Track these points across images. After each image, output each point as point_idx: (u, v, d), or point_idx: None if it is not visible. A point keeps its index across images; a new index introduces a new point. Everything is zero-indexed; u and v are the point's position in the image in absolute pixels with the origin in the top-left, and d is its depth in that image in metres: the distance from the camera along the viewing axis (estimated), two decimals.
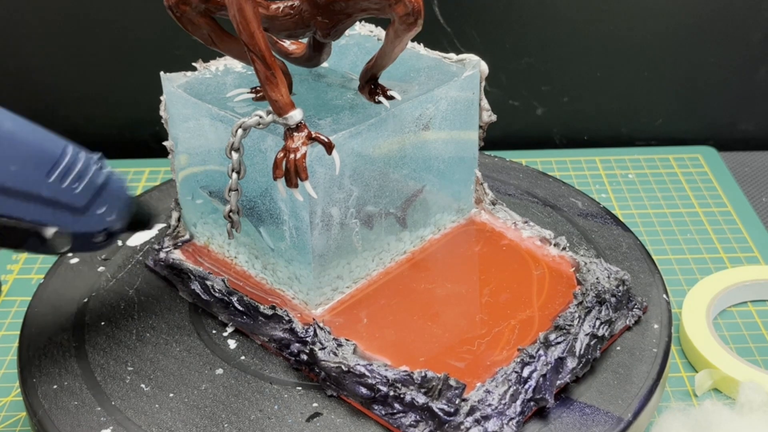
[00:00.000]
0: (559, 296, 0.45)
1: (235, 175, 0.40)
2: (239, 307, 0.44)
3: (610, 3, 0.67)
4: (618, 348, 0.43)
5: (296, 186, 0.39)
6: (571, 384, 0.41)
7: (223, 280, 0.45)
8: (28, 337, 0.44)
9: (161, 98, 0.46)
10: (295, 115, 0.38)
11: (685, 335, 0.48)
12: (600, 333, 0.42)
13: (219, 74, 0.46)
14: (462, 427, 0.37)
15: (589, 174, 0.66)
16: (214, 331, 0.45)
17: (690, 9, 0.67)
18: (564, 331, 0.41)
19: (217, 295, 0.45)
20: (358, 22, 0.51)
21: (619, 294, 0.44)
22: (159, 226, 0.52)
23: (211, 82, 0.45)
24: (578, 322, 0.42)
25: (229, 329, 0.45)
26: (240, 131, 0.39)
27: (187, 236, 0.49)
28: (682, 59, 0.69)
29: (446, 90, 0.46)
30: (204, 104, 0.44)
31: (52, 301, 0.47)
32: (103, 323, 0.45)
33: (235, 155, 0.40)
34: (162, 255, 0.48)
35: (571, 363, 0.40)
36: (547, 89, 0.70)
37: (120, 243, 0.51)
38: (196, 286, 0.45)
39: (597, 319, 0.42)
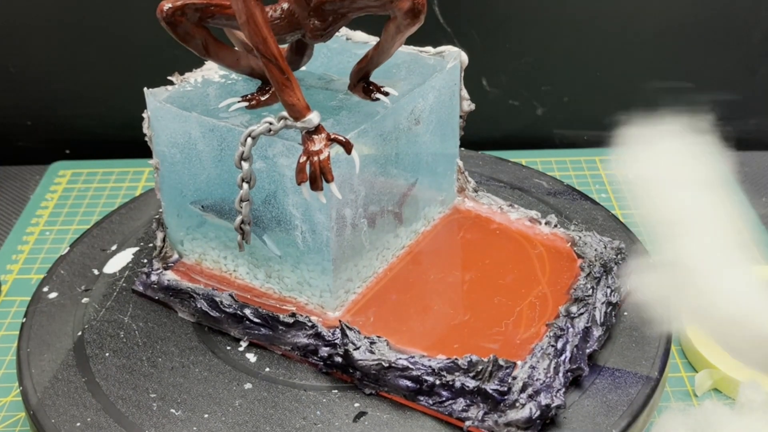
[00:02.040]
0: (564, 271, 0.47)
1: (246, 185, 0.40)
2: (255, 320, 0.43)
3: (610, 3, 0.67)
4: (625, 313, 0.45)
5: (321, 189, 0.39)
6: (596, 351, 0.42)
7: (231, 295, 0.44)
8: (30, 379, 0.42)
9: (144, 115, 0.45)
10: (314, 118, 0.38)
11: (686, 335, 0.48)
12: (613, 300, 0.44)
13: (199, 86, 0.45)
14: (518, 404, 0.38)
15: (589, 174, 0.66)
16: (228, 347, 0.44)
17: (690, 9, 0.67)
18: (584, 302, 0.43)
19: (228, 310, 0.44)
20: None
21: (620, 261, 0.46)
22: (132, 249, 0.52)
23: (193, 95, 0.45)
24: (593, 292, 0.44)
25: (244, 343, 0.44)
26: (249, 140, 0.39)
27: (175, 256, 0.48)
28: (683, 60, 0.69)
29: (434, 83, 0.46)
30: (198, 116, 0.43)
31: (43, 339, 0.45)
32: (107, 354, 0.43)
33: (245, 165, 0.39)
34: (154, 278, 0.47)
35: (596, 332, 0.42)
36: (547, 89, 0.70)
37: (96, 272, 0.50)
38: (202, 304, 0.45)
39: (608, 287, 0.45)
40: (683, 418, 0.43)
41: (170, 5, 0.39)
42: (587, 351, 0.42)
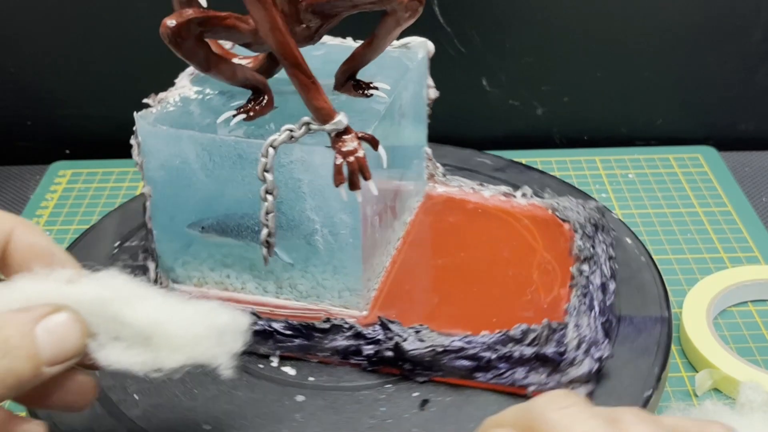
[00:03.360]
0: (556, 236, 0.49)
1: (270, 197, 0.39)
2: (286, 332, 0.42)
3: (610, 3, 0.66)
4: (615, 265, 0.47)
5: (360, 188, 0.39)
6: (612, 303, 0.44)
7: (253, 312, 0.43)
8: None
9: (132, 142, 0.43)
10: (343, 119, 0.38)
11: (686, 335, 0.48)
12: (612, 254, 0.47)
13: (180, 105, 0.44)
14: (576, 361, 0.39)
15: (589, 174, 0.66)
16: (261, 365, 0.43)
17: (690, 9, 0.67)
18: (592, 260, 0.45)
19: (255, 328, 0.42)
20: None
21: (601, 219, 0.49)
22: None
23: (178, 114, 0.43)
24: (594, 249, 0.46)
25: (275, 358, 0.43)
26: (271, 150, 0.39)
27: (171, 285, 0.47)
28: (682, 59, 0.69)
29: (411, 75, 0.47)
30: (201, 134, 0.41)
31: None
32: (137, 397, 0.41)
33: (269, 176, 0.39)
34: None
35: (611, 285, 0.45)
36: (547, 89, 0.70)
37: None
38: None
39: (603, 243, 0.47)
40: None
41: (175, 22, 0.38)
42: (608, 303, 0.43)
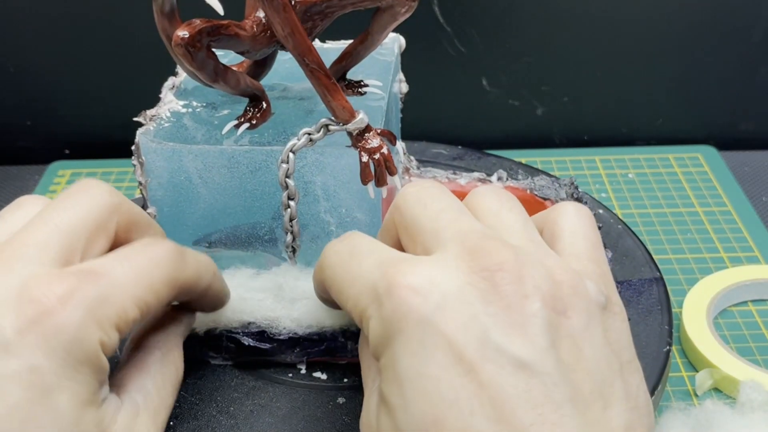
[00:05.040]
0: None
1: (292, 203, 0.39)
2: (314, 337, 0.41)
3: (610, 3, 0.67)
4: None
5: (387, 184, 0.38)
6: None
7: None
8: None
9: (134, 162, 0.42)
10: (365, 117, 0.38)
11: (686, 335, 0.48)
12: (599, 224, 0.47)
13: (174, 120, 0.43)
14: None
15: (589, 174, 0.66)
16: (290, 374, 0.42)
17: (690, 8, 0.67)
18: None
19: (281, 337, 0.41)
20: None
21: (578, 192, 0.51)
22: None
23: (175, 129, 0.42)
24: None
25: (302, 366, 0.42)
26: (291, 155, 0.38)
27: None
28: (683, 59, 0.69)
29: (393, 71, 0.47)
30: (211, 147, 0.40)
31: None
32: (171, 423, 0.39)
33: (290, 182, 0.39)
34: None
35: (609, 253, 0.45)
36: (547, 89, 0.70)
37: None
38: (248, 341, 0.42)
39: None
40: (684, 417, 0.43)
41: (187, 33, 0.36)
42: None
